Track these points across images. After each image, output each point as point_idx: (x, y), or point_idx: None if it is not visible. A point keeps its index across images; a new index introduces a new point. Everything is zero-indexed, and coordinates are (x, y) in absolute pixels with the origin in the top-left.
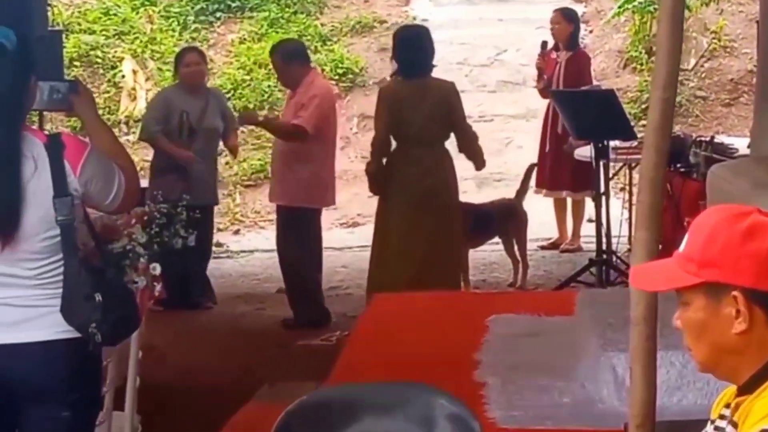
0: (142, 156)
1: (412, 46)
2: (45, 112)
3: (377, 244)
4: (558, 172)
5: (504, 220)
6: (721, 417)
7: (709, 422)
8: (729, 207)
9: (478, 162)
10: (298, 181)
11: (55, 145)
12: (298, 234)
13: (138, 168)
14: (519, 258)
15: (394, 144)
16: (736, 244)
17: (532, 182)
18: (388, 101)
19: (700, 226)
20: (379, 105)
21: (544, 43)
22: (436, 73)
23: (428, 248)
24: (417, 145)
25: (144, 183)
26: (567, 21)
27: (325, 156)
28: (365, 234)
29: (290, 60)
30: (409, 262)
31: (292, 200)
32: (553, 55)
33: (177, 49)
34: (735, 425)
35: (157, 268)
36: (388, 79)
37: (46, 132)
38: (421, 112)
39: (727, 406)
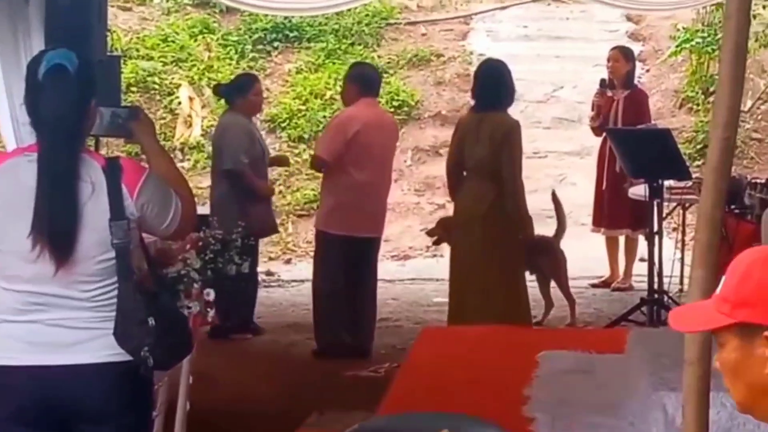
0: (197, 183)
1: (486, 80)
2: (101, 138)
3: (454, 277)
4: (617, 210)
5: (536, 257)
6: None
7: None
8: (764, 248)
9: (524, 225)
10: (326, 206)
11: (113, 169)
12: (325, 259)
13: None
14: (564, 297)
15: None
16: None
17: (590, 220)
18: (458, 132)
19: (736, 266)
20: (453, 136)
21: (603, 81)
22: None
23: (495, 281)
24: (477, 177)
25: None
26: (625, 59)
27: (352, 183)
28: (416, 266)
29: (351, 82)
30: (473, 294)
31: (320, 224)
32: (609, 93)
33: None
34: None
35: (210, 294)
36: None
37: (105, 155)
38: (479, 144)
39: None
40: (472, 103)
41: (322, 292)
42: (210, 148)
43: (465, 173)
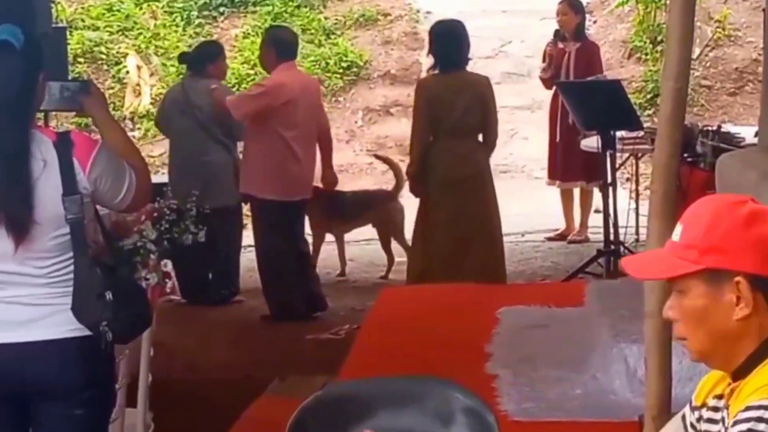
0: (148, 152)
1: (449, 40)
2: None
3: (419, 237)
4: (570, 163)
5: (373, 209)
6: (714, 408)
7: (688, 407)
8: (725, 195)
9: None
10: (252, 173)
11: (64, 143)
12: (264, 225)
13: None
14: (403, 248)
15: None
16: (738, 230)
17: (543, 174)
18: (426, 96)
19: (697, 214)
20: (417, 101)
21: (557, 32)
22: None
23: (471, 238)
24: (453, 138)
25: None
26: (574, 11)
27: (276, 148)
28: (371, 227)
29: (268, 46)
30: (451, 255)
31: (252, 189)
32: (560, 45)
33: (181, 45)
34: (728, 410)
35: (168, 265)
36: (425, 73)
37: (55, 130)
38: (457, 106)
39: (719, 396)
40: (429, 63)
41: (268, 257)
42: None
43: (440, 134)
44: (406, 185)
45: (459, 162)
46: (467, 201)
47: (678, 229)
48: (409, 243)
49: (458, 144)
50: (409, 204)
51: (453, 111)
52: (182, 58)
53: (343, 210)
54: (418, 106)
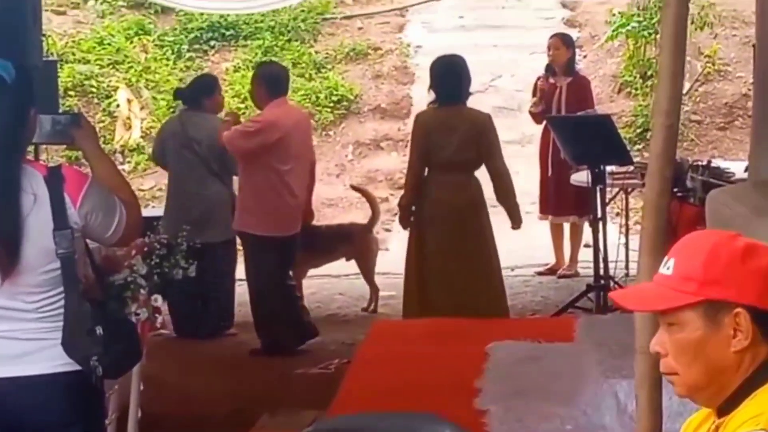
0: (138, 185)
1: (447, 74)
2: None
3: (414, 271)
4: (560, 197)
5: (347, 242)
6: None
7: None
8: (717, 230)
9: (514, 217)
10: (247, 209)
11: (55, 178)
12: (256, 260)
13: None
14: (367, 283)
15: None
16: (737, 262)
17: (533, 208)
18: (422, 129)
19: (692, 247)
20: (413, 133)
21: (549, 66)
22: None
23: (467, 273)
24: (446, 172)
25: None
26: (565, 46)
27: (272, 183)
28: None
29: (259, 82)
30: (450, 288)
31: (245, 226)
32: (551, 80)
33: (172, 78)
34: None
35: (158, 300)
36: (417, 108)
37: (46, 164)
38: (452, 141)
39: None
40: (430, 98)
41: (262, 291)
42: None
43: (433, 168)
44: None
45: (450, 195)
46: (459, 233)
47: (670, 263)
48: (395, 277)
49: (451, 178)
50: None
51: (447, 146)
52: (177, 93)
53: (318, 244)
54: (413, 139)
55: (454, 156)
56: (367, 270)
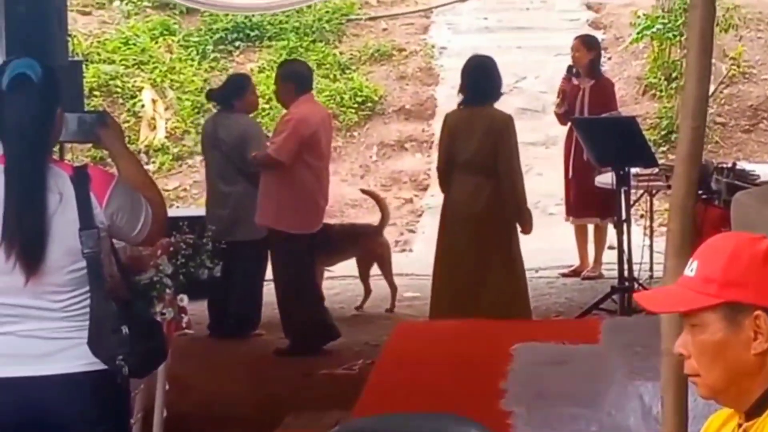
0: (163, 185)
1: (473, 75)
2: (66, 143)
3: (438, 271)
4: (585, 199)
5: (360, 243)
6: None
7: None
8: (741, 232)
9: (521, 222)
10: (280, 205)
11: (81, 178)
12: (284, 258)
13: None
14: (388, 284)
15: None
16: (758, 264)
17: (558, 210)
18: (447, 129)
19: (714, 249)
20: (441, 133)
21: (571, 68)
22: (453, 102)
23: (486, 275)
24: (466, 173)
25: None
26: (587, 48)
27: (307, 180)
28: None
29: (286, 80)
30: (469, 289)
31: (274, 223)
32: (575, 81)
33: (196, 79)
34: None
35: (184, 299)
36: (441, 109)
37: (72, 164)
38: (472, 141)
39: None
40: (459, 98)
41: (293, 290)
42: (176, 150)
43: (455, 169)
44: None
45: (468, 196)
46: (476, 236)
47: (693, 264)
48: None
49: (471, 179)
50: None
51: (468, 146)
52: (210, 95)
53: (331, 244)
54: (440, 139)
55: (474, 157)
56: (367, 271)
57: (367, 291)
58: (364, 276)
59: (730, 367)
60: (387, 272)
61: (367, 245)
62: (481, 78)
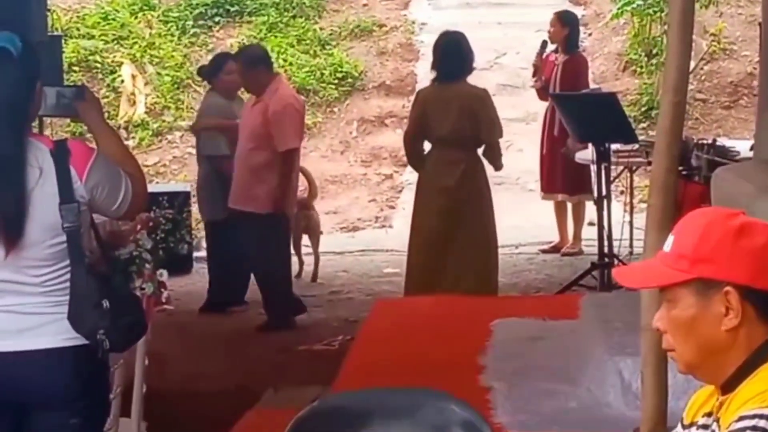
0: (143, 161)
1: (446, 51)
2: (45, 118)
3: (413, 247)
4: (554, 174)
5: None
6: (704, 426)
7: (680, 425)
8: (717, 208)
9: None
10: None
11: (61, 152)
12: (273, 240)
13: None
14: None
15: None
16: (730, 240)
17: (538, 186)
18: (419, 105)
19: (689, 225)
20: (412, 108)
21: (544, 43)
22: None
23: (460, 245)
24: (445, 147)
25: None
26: (561, 24)
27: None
28: (365, 238)
29: (256, 65)
30: (441, 264)
31: (272, 207)
32: (552, 57)
33: (176, 54)
34: (719, 423)
35: (163, 274)
36: (421, 84)
37: (52, 138)
38: (448, 117)
39: (708, 414)
40: (432, 75)
41: (278, 268)
42: (155, 125)
43: (433, 145)
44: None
45: (447, 171)
46: (449, 211)
47: (670, 240)
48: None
49: (446, 154)
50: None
51: (444, 121)
52: (199, 72)
53: None
54: (411, 113)
55: (450, 134)
56: (297, 243)
57: (301, 262)
58: (296, 247)
59: (703, 342)
60: (314, 244)
61: (296, 218)
62: (452, 54)
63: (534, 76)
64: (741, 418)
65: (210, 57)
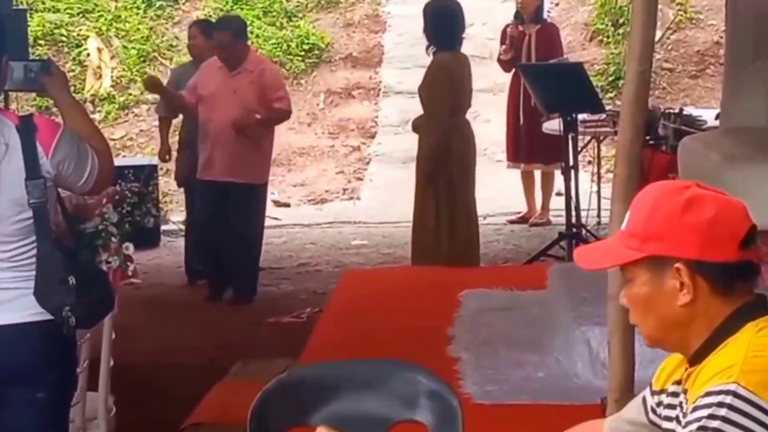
0: (109, 134)
1: (450, 19)
2: (11, 92)
3: (432, 218)
4: (532, 145)
5: None
6: (673, 394)
7: (648, 389)
8: (669, 182)
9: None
10: (263, 158)
11: (27, 127)
12: (262, 209)
13: None
14: None
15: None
16: (677, 216)
17: (505, 157)
18: (449, 76)
19: (641, 202)
20: (440, 80)
21: (518, 14)
22: (400, 50)
23: (439, 220)
24: (463, 116)
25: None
26: None
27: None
28: (333, 210)
29: (240, 37)
30: (427, 236)
31: (259, 178)
32: (520, 27)
33: (142, 27)
34: (686, 395)
35: (130, 248)
36: (430, 53)
37: (17, 113)
38: (469, 84)
39: (677, 382)
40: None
41: (250, 239)
42: (121, 99)
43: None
44: None
45: (472, 141)
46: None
47: (626, 217)
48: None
49: (466, 123)
50: None
51: (466, 89)
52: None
53: None
54: (441, 86)
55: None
56: None
57: None
58: None
59: (661, 318)
60: None
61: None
62: (457, 22)
63: (507, 47)
64: (708, 394)
65: (176, 30)
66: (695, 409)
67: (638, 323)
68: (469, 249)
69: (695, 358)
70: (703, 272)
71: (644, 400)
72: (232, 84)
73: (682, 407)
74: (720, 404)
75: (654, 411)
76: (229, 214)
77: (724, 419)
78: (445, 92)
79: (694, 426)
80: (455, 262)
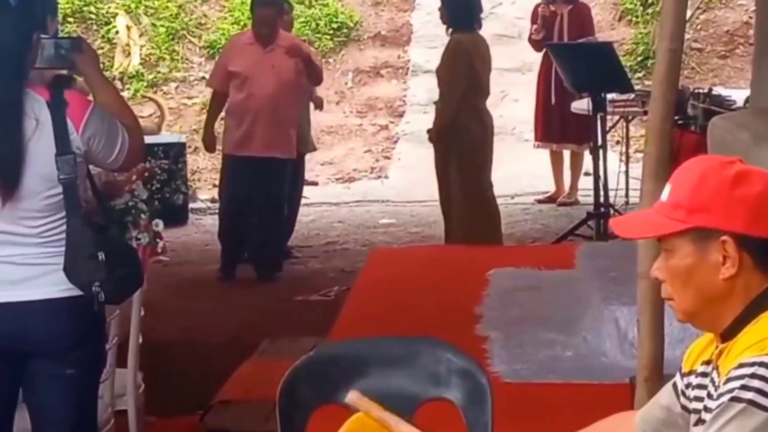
0: (138, 112)
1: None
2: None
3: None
4: (561, 125)
5: None
6: (703, 374)
7: (678, 373)
8: (713, 156)
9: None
10: (297, 131)
11: (57, 103)
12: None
13: None
14: None
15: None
16: (726, 189)
17: (531, 136)
18: (468, 56)
19: (685, 174)
20: (460, 60)
21: None
22: (429, 29)
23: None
24: (483, 98)
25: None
26: None
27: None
28: (361, 189)
29: (285, 13)
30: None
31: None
32: (551, 7)
33: (171, 5)
34: (718, 370)
35: (159, 225)
36: (448, 34)
37: (48, 88)
38: (487, 66)
39: (707, 362)
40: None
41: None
42: (150, 77)
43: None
44: None
45: (489, 127)
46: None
47: (667, 189)
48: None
49: (484, 106)
50: None
51: (487, 70)
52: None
53: None
54: (455, 67)
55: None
56: None
57: None
58: None
59: (701, 291)
60: None
61: None
62: (475, 2)
63: (539, 26)
64: (741, 365)
65: (204, 8)
66: (728, 380)
67: (675, 296)
68: (491, 230)
69: (727, 334)
70: (747, 247)
71: (675, 384)
72: (269, 59)
73: (714, 382)
74: (753, 375)
75: (684, 393)
76: (265, 189)
77: (759, 391)
78: (460, 73)
79: (727, 397)
80: (476, 242)
